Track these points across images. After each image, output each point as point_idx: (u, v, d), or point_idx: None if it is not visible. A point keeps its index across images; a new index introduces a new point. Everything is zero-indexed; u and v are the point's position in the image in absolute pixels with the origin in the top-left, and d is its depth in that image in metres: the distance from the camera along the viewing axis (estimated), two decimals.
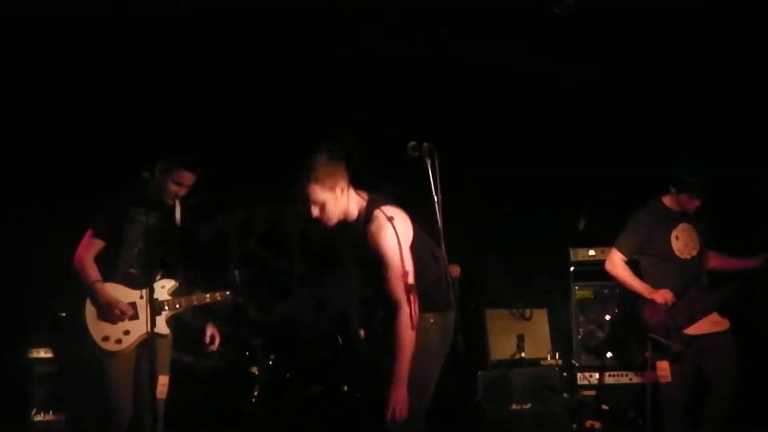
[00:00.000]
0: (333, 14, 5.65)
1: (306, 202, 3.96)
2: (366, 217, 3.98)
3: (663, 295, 5.01)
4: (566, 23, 5.67)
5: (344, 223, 4.05)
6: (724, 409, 4.99)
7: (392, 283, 3.85)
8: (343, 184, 3.98)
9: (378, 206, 3.97)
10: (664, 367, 5.01)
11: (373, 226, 3.92)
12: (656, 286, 5.07)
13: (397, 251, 3.85)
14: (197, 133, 5.84)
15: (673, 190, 5.13)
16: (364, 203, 4.04)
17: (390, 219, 3.88)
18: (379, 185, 4.20)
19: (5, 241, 5.86)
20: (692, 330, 5.03)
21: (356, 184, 4.09)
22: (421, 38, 5.96)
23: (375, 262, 3.91)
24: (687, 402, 5.06)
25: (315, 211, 3.96)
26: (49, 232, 5.88)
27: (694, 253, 5.15)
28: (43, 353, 5.37)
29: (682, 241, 5.14)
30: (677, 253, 5.13)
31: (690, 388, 5.05)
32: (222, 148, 5.95)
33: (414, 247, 3.96)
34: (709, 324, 5.05)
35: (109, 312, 4.50)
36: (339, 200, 3.97)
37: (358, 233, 4.00)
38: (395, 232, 3.87)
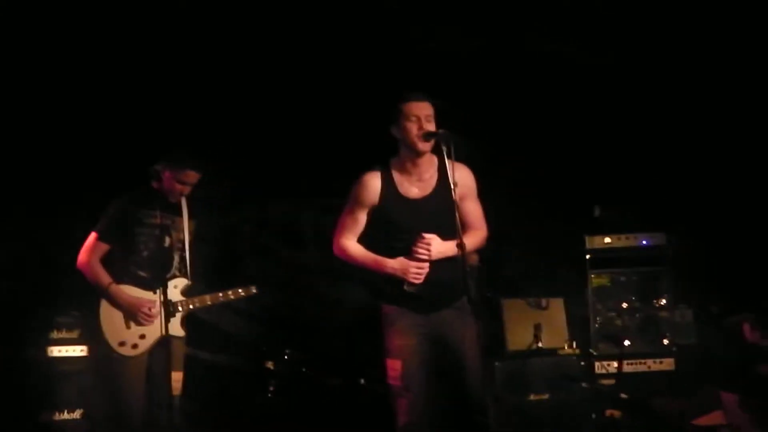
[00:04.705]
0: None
1: None
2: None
3: None
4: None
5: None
6: None
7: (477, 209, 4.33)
8: None
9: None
10: None
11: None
12: None
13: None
14: (203, 128, 5.78)
15: None
16: (435, 161, 4.17)
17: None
18: None
19: (18, 239, 5.83)
20: None
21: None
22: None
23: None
24: None
25: None
26: (69, 229, 5.84)
27: None
28: (60, 352, 5.35)
29: None
30: None
31: None
32: (226, 141, 5.90)
33: None
34: None
35: (134, 313, 4.41)
36: None
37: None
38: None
